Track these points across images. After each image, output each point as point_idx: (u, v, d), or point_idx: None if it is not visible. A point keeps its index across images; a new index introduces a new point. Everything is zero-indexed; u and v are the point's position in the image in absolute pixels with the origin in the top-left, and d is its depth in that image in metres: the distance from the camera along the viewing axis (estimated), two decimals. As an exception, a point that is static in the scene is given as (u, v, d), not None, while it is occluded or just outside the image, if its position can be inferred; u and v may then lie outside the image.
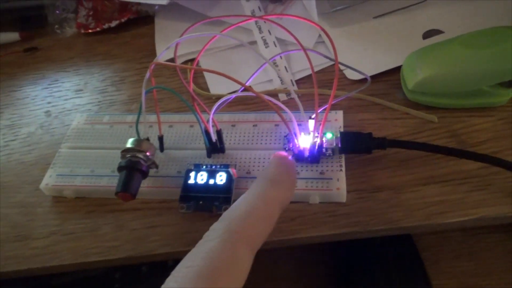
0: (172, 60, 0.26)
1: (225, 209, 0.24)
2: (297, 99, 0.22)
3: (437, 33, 0.31)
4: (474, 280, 0.33)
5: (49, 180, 0.27)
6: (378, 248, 0.32)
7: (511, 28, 0.25)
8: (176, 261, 0.34)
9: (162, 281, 0.37)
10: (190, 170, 0.25)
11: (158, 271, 0.33)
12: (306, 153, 0.24)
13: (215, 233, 0.17)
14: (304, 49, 0.24)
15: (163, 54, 0.24)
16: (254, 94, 0.22)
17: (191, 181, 0.25)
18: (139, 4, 0.40)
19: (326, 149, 0.25)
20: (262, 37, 0.34)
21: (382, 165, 0.26)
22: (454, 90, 0.26)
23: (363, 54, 0.32)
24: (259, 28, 0.35)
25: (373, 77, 0.29)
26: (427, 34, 0.32)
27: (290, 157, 0.21)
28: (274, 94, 0.31)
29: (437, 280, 0.32)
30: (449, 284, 0.33)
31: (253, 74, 0.28)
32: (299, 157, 0.25)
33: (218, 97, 0.30)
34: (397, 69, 0.30)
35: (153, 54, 0.37)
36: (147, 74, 0.24)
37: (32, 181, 0.29)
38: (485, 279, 0.33)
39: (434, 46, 0.27)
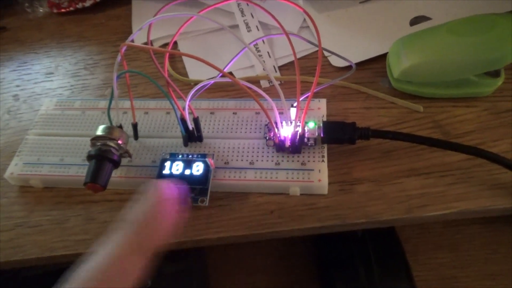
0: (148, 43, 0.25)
1: (202, 201, 0.23)
2: (277, 86, 0.21)
3: (425, 20, 0.31)
4: (453, 271, 0.33)
5: (14, 169, 0.26)
6: (360, 239, 0.31)
7: (500, 15, 0.25)
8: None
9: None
10: (166, 160, 0.24)
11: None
12: (287, 143, 0.23)
13: None
14: (287, 34, 0.23)
15: (135, 35, 0.22)
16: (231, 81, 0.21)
17: (166, 171, 0.24)
18: (115, -18, 0.38)
19: (308, 139, 0.24)
20: (244, 21, 0.33)
21: (365, 156, 0.25)
22: (440, 79, 0.25)
23: (348, 40, 0.31)
24: (242, 11, 0.33)
25: (358, 64, 0.28)
26: (414, 21, 0.31)
27: (172, 188, 0.17)
28: (256, 80, 0.30)
29: (416, 272, 0.32)
30: (428, 276, 0.33)
31: (232, 59, 0.26)
32: (280, 147, 0.24)
33: (197, 83, 0.29)
34: (383, 57, 0.29)
35: (128, 36, 0.35)
36: (118, 57, 0.22)
37: (-4, 169, 0.27)
38: (463, 270, 0.33)
39: (421, 33, 0.26)
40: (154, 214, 0.17)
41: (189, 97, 0.23)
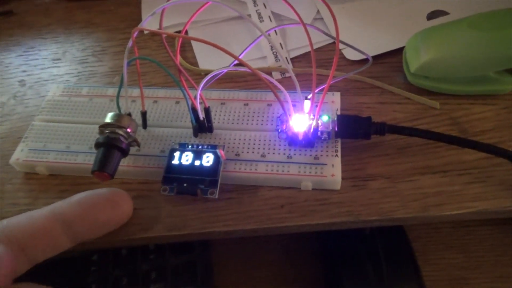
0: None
1: (211, 193, 0.22)
2: (294, 78, 0.21)
3: (442, 14, 0.30)
4: (462, 272, 0.32)
5: (20, 155, 0.25)
6: (368, 237, 0.31)
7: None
8: (157, 246, 0.32)
9: (142, 265, 0.35)
10: (175, 150, 0.23)
11: (138, 254, 0.32)
12: (300, 136, 0.23)
13: None
14: (304, 24, 0.22)
15: (147, 20, 0.22)
16: (247, 70, 0.20)
17: (175, 161, 0.23)
18: (125, -31, 0.37)
19: (322, 132, 0.23)
20: (256, 11, 0.32)
21: (379, 151, 0.24)
22: (459, 74, 0.25)
23: (363, 33, 0.30)
24: (254, 1, 0.32)
25: (373, 58, 0.28)
26: (431, 15, 0.30)
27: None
28: (267, 72, 0.29)
29: (426, 272, 0.31)
30: (437, 276, 0.32)
31: (247, 47, 0.26)
32: (292, 140, 0.23)
33: (207, 73, 0.28)
34: (399, 51, 0.28)
35: (138, 24, 0.34)
36: (130, 43, 0.22)
37: (1, 155, 0.26)
38: (473, 271, 0.32)
39: (440, 26, 0.25)
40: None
41: (201, 86, 0.22)
